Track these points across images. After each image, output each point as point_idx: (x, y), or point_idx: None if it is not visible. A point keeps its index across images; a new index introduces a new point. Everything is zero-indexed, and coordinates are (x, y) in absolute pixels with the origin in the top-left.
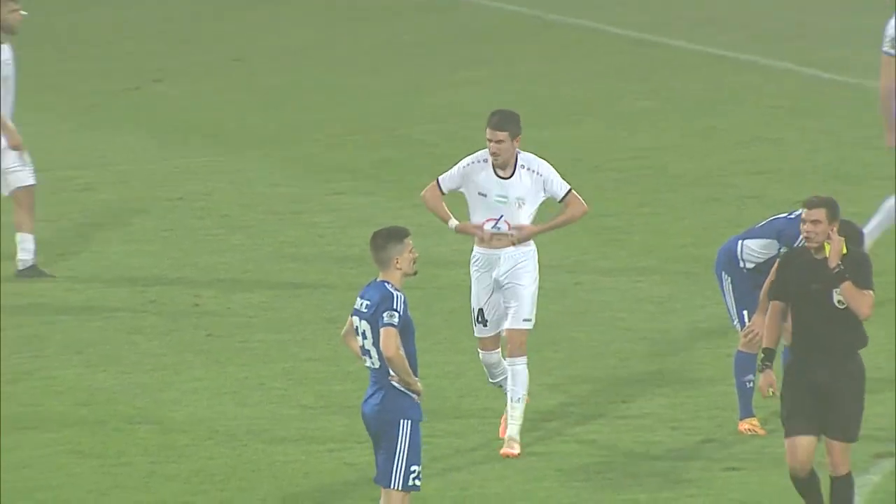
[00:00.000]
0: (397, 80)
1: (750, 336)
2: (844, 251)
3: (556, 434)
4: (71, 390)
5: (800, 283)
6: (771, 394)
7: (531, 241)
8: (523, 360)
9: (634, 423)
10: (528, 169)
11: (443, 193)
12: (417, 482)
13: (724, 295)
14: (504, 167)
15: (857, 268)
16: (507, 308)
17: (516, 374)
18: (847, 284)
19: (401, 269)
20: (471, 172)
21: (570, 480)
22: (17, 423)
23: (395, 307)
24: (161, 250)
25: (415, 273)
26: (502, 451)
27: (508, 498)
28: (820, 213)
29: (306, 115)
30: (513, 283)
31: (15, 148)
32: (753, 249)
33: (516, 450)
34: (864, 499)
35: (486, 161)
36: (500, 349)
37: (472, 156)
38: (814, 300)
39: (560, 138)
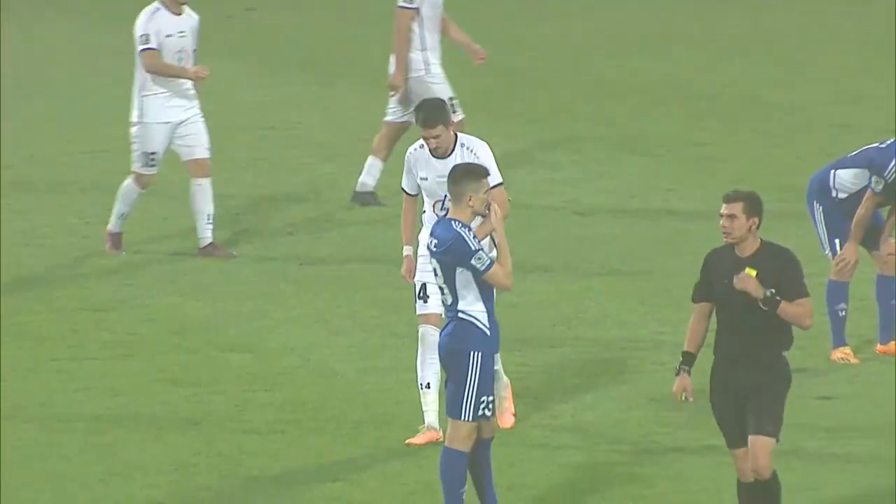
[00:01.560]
0: (497, 10)
1: (842, 265)
2: (758, 248)
3: (649, 363)
4: (165, 319)
5: (724, 284)
6: (683, 399)
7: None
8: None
9: None
10: (467, 148)
11: (414, 195)
12: (487, 412)
13: (816, 224)
14: (443, 154)
15: (786, 276)
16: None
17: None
18: (782, 307)
19: (472, 206)
20: (411, 161)
21: (662, 409)
22: (111, 351)
23: (473, 248)
24: (253, 179)
25: (484, 215)
26: (503, 423)
27: (601, 426)
28: (736, 208)
29: None
30: None
31: None
32: (845, 179)
33: (511, 415)
34: None
35: (422, 147)
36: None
37: (410, 147)
38: (739, 302)
39: (653, 67)
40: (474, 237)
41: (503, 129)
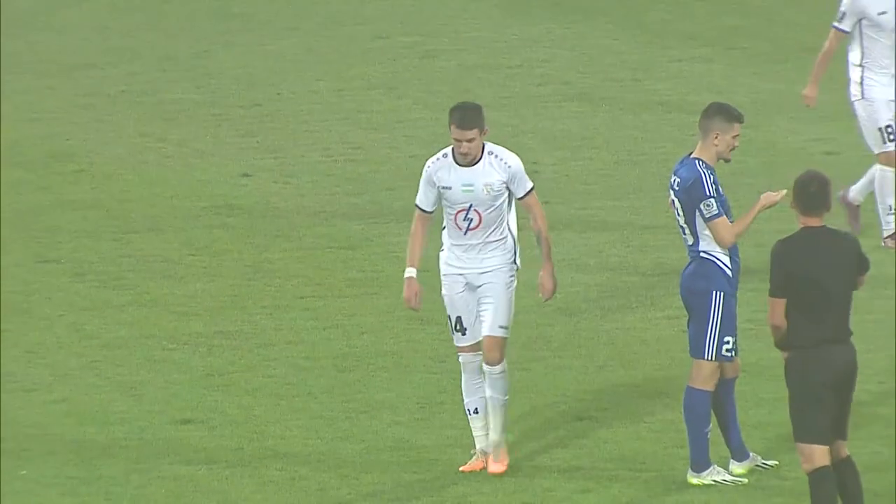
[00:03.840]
0: None
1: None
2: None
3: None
4: None
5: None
6: None
7: (509, 245)
8: (503, 365)
9: None
10: (497, 157)
11: (429, 213)
12: (731, 353)
13: None
14: (471, 161)
15: None
16: (481, 314)
17: (496, 382)
18: None
19: (717, 146)
20: (433, 172)
21: None
22: (358, 289)
23: (707, 194)
24: (500, 118)
25: (727, 160)
26: (490, 466)
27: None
28: None
29: None
30: (488, 284)
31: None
32: None
33: (504, 462)
34: None
35: (445, 156)
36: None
37: (430, 159)
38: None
39: None
40: (713, 182)
41: (751, 68)
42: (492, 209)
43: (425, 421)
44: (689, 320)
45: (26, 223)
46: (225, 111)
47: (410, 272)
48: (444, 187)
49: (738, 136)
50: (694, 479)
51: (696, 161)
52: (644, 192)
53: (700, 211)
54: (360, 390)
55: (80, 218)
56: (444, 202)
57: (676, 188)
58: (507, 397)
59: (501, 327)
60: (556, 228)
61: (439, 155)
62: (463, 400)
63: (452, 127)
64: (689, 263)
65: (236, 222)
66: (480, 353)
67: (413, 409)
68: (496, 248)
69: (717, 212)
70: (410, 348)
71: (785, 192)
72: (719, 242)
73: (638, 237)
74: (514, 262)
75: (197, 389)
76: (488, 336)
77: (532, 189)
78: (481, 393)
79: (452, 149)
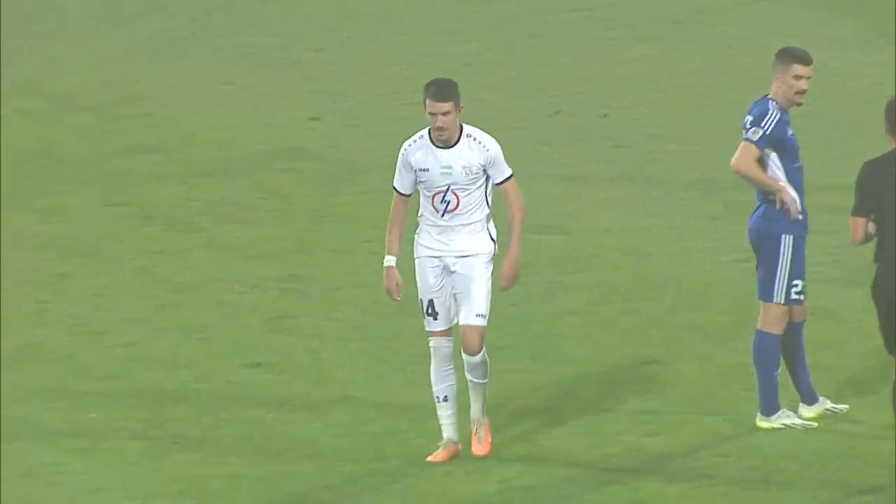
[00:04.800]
0: None
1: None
2: None
3: None
4: None
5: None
6: None
7: (487, 229)
8: (483, 352)
9: None
10: (475, 140)
11: (407, 196)
12: (800, 297)
13: None
14: (448, 142)
15: None
16: (459, 301)
17: (477, 368)
18: None
19: (782, 88)
20: (409, 154)
21: None
22: None
23: (762, 124)
24: (569, 61)
25: (797, 103)
26: (473, 448)
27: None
28: None
29: None
30: (465, 270)
31: None
32: None
33: (487, 443)
34: None
35: (421, 138)
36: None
37: (406, 142)
38: None
39: None
40: (778, 121)
41: (816, 14)
42: (470, 192)
43: (493, 364)
44: (757, 263)
45: (94, 167)
46: (293, 55)
47: (390, 261)
48: (421, 170)
49: (804, 77)
50: (763, 423)
51: (770, 101)
52: (712, 135)
53: (745, 131)
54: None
55: (149, 162)
56: (420, 184)
57: (748, 125)
58: (486, 381)
59: (479, 315)
60: (625, 173)
61: (416, 137)
62: (432, 386)
63: (427, 101)
64: (759, 206)
65: (304, 166)
66: (451, 338)
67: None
68: (474, 231)
69: (752, 139)
70: None
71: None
72: (732, 161)
73: (708, 180)
74: (493, 246)
75: (265, 333)
76: (466, 325)
77: (511, 176)
78: (451, 380)
79: (429, 130)
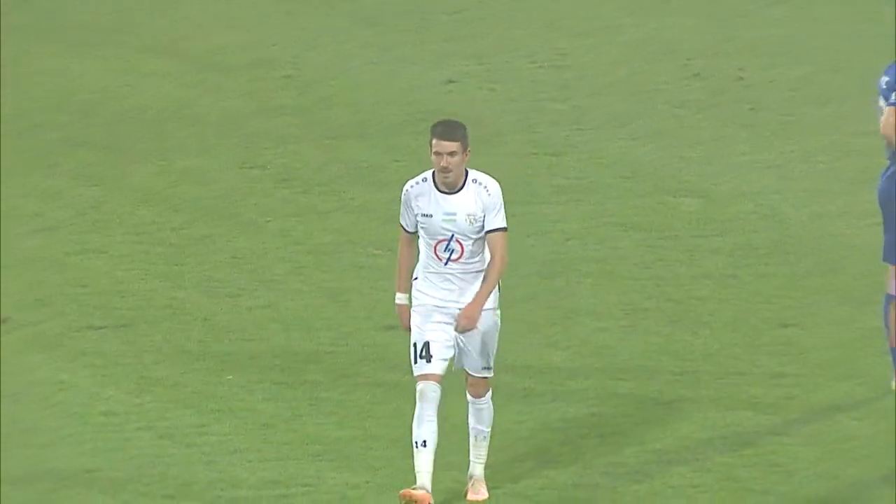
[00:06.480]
0: None
1: None
2: None
3: None
4: (616, 164)
5: None
6: None
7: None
8: (487, 397)
9: None
10: (480, 184)
11: (412, 233)
12: None
13: None
14: (452, 186)
15: None
16: (466, 353)
17: (481, 412)
18: None
19: None
20: (410, 196)
21: None
22: (563, 196)
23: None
24: (704, 24)
25: None
26: (468, 496)
27: None
28: None
29: None
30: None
31: None
32: None
33: (484, 493)
34: None
35: (425, 180)
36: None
37: (408, 182)
38: None
39: None
40: None
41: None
42: (475, 240)
43: (630, 328)
44: (884, 225)
45: (230, 129)
46: (429, 17)
47: (401, 298)
48: (423, 215)
49: None
50: None
51: None
52: (848, 98)
53: (889, 95)
54: (564, 297)
55: (285, 124)
56: (421, 229)
57: (884, 87)
58: (489, 430)
59: (487, 368)
60: (762, 134)
61: (419, 178)
62: (412, 431)
63: (433, 140)
64: (889, 167)
65: None
66: (440, 386)
67: (618, 316)
68: (478, 278)
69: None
70: (615, 255)
71: None
72: (882, 126)
73: (843, 143)
74: (497, 294)
75: None
76: (474, 377)
77: (503, 230)
78: (434, 427)
79: (433, 173)
